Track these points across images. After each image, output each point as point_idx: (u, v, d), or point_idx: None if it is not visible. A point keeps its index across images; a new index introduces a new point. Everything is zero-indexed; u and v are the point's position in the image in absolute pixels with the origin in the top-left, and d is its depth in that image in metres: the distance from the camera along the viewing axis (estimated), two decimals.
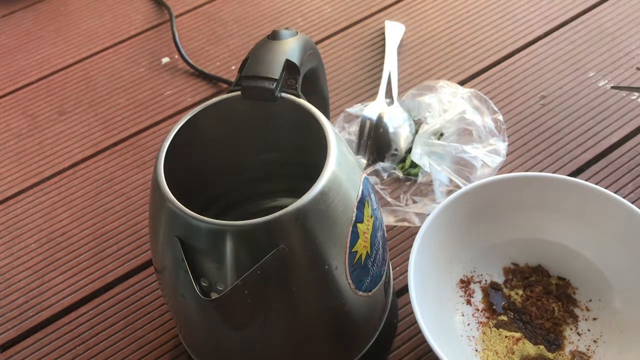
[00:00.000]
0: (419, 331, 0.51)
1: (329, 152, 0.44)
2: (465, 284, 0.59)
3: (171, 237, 0.42)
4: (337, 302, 0.46)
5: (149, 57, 0.85)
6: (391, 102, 0.75)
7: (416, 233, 0.55)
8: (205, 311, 0.45)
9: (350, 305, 0.47)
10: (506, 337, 0.56)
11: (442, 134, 0.70)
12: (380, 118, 0.72)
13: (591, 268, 0.58)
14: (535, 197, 0.59)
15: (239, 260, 0.42)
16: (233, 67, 0.83)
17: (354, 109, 0.74)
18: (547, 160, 0.70)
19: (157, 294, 0.63)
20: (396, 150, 0.70)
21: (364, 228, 0.45)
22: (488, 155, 0.67)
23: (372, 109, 0.73)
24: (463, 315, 0.57)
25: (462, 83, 0.77)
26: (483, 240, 0.60)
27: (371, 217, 0.47)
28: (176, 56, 0.85)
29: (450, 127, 0.69)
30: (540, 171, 0.69)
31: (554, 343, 0.55)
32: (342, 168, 0.44)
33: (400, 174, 0.69)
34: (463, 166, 0.67)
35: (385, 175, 0.69)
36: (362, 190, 0.46)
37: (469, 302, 0.58)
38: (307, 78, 0.50)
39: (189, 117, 0.47)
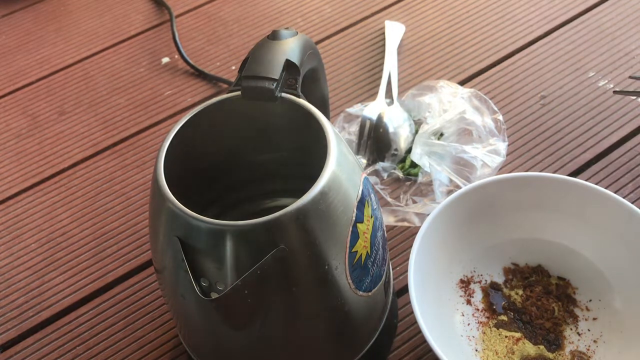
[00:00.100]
0: (419, 331, 0.51)
1: (329, 152, 0.44)
2: (465, 284, 0.59)
3: (171, 237, 0.42)
4: (337, 302, 0.46)
5: (149, 57, 0.85)
6: (391, 102, 0.75)
7: (416, 233, 0.55)
8: (205, 311, 0.45)
9: (350, 305, 0.47)
10: (506, 337, 0.56)
11: (442, 134, 0.70)
12: (380, 118, 0.72)
13: (591, 268, 0.58)
14: (535, 197, 0.59)
15: (239, 260, 0.42)
16: (233, 67, 0.83)
17: (354, 109, 0.74)
18: (547, 160, 0.70)
19: (157, 294, 0.63)
20: (396, 150, 0.70)
21: (364, 228, 0.45)
22: (488, 155, 0.67)
23: (372, 109, 0.73)
24: (463, 315, 0.57)
25: (462, 83, 0.77)
26: (483, 240, 0.60)
27: (371, 217, 0.47)
28: (176, 56, 0.85)
29: (450, 127, 0.69)
30: (540, 171, 0.69)
31: (554, 343, 0.55)
32: (342, 168, 0.44)
33: (400, 174, 0.69)
34: (463, 166, 0.67)
35: (385, 175, 0.69)
36: (362, 190, 0.46)
37: (469, 302, 0.58)
38: (307, 78, 0.50)
39: (189, 117, 0.47)
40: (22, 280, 0.65)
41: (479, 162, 0.67)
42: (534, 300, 0.57)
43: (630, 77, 0.75)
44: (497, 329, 0.56)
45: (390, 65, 0.79)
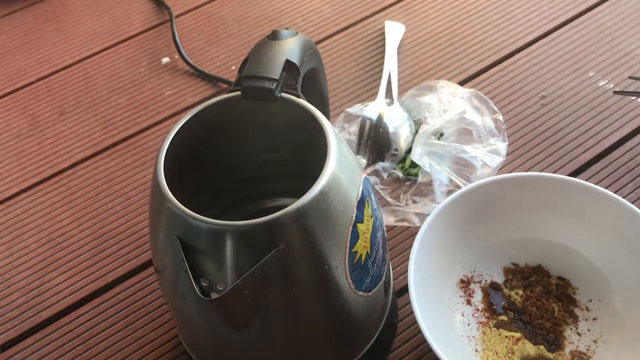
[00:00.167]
0: (419, 331, 0.51)
1: (329, 152, 0.44)
2: (465, 284, 0.59)
3: (171, 237, 0.42)
4: (337, 302, 0.46)
5: (149, 57, 0.85)
6: (391, 102, 0.75)
7: (416, 233, 0.55)
8: (205, 311, 0.45)
9: (350, 305, 0.47)
10: (506, 337, 0.56)
11: (442, 134, 0.70)
12: (380, 118, 0.72)
13: (591, 268, 0.58)
14: (535, 197, 0.59)
15: (239, 260, 0.42)
16: (233, 67, 0.83)
17: (354, 109, 0.74)
18: (547, 160, 0.70)
19: (157, 294, 0.63)
20: (396, 150, 0.70)
21: (364, 228, 0.45)
22: (488, 155, 0.67)
23: (372, 109, 0.73)
24: (463, 315, 0.57)
25: (462, 83, 0.77)
26: (483, 240, 0.60)
27: (371, 217, 0.47)
28: (176, 56, 0.85)
29: (450, 127, 0.69)
30: (540, 171, 0.69)
31: (554, 343, 0.55)
32: (342, 168, 0.44)
33: (400, 174, 0.69)
34: (463, 166, 0.67)
35: (385, 175, 0.69)
36: (362, 190, 0.46)
37: (469, 302, 0.58)
38: (307, 78, 0.50)
39: (189, 117, 0.47)
40: (22, 280, 0.65)
41: (479, 162, 0.67)
42: (534, 300, 0.57)
43: (630, 77, 0.75)
44: (497, 329, 0.56)
45: (390, 65, 0.79)
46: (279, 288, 0.44)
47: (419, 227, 0.56)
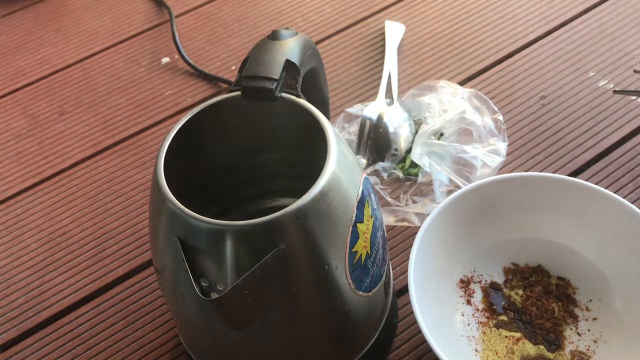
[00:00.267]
0: (419, 331, 0.51)
1: (329, 152, 0.44)
2: (465, 284, 0.59)
3: (171, 237, 0.42)
4: (337, 302, 0.46)
5: (149, 57, 0.85)
6: (391, 102, 0.75)
7: (416, 233, 0.55)
8: (205, 311, 0.45)
9: (350, 305, 0.47)
10: (506, 337, 0.56)
11: (442, 134, 0.70)
12: (380, 118, 0.72)
13: (591, 268, 0.58)
14: (535, 197, 0.59)
15: (239, 260, 0.42)
16: (233, 67, 0.83)
17: (354, 109, 0.74)
18: (547, 160, 0.70)
19: (157, 294, 0.63)
20: (396, 150, 0.70)
21: (364, 228, 0.45)
22: (488, 155, 0.67)
23: (372, 109, 0.73)
24: (463, 315, 0.57)
25: (462, 83, 0.77)
26: (483, 240, 0.60)
27: (371, 217, 0.47)
28: (176, 56, 0.85)
29: (450, 127, 0.69)
30: (540, 171, 0.69)
31: (554, 343, 0.55)
32: (342, 168, 0.44)
33: (400, 174, 0.69)
34: (463, 166, 0.67)
35: (385, 175, 0.69)
36: (362, 190, 0.46)
37: (469, 302, 0.58)
38: (307, 78, 0.50)
39: (189, 117, 0.47)
40: (22, 280, 0.65)
41: (479, 162, 0.67)
42: (534, 300, 0.57)
43: (635, 71, 0.74)
44: (497, 329, 0.56)
45: (390, 65, 0.79)
46: (279, 288, 0.44)
47: (419, 227, 0.56)
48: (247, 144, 0.53)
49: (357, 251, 0.45)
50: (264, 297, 0.43)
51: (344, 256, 0.44)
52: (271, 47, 0.47)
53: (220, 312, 0.43)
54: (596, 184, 0.63)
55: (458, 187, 0.65)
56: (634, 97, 0.73)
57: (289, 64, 0.47)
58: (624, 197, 0.60)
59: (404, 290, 0.61)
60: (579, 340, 0.56)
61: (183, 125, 0.47)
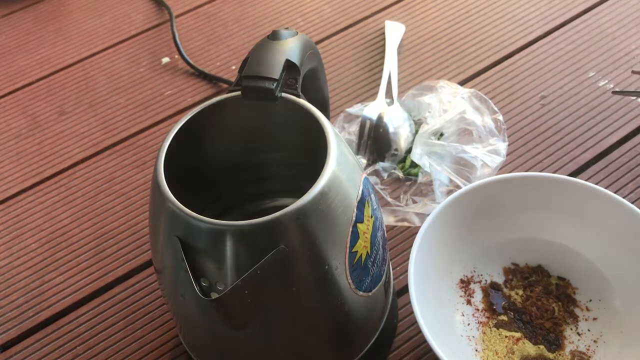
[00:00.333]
0: (419, 331, 0.51)
1: (329, 152, 0.44)
2: (465, 284, 0.59)
3: (171, 237, 0.42)
4: (337, 302, 0.46)
5: (149, 57, 0.85)
6: (391, 102, 0.75)
7: (416, 233, 0.55)
8: (205, 311, 0.45)
9: (350, 305, 0.47)
10: (506, 337, 0.56)
11: (442, 134, 0.70)
12: (380, 118, 0.72)
13: (591, 268, 0.58)
14: (535, 197, 0.59)
15: (239, 260, 0.42)
16: (233, 67, 0.83)
17: (354, 109, 0.74)
18: (547, 160, 0.70)
19: (157, 294, 0.63)
20: (396, 150, 0.70)
21: (364, 228, 0.45)
22: (488, 155, 0.67)
23: (372, 109, 0.73)
24: (463, 315, 0.57)
25: (462, 83, 0.77)
26: (483, 240, 0.60)
27: (371, 217, 0.47)
28: (176, 56, 0.85)
29: (450, 127, 0.69)
30: (540, 171, 0.69)
31: (554, 343, 0.55)
32: (342, 168, 0.44)
33: (400, 174, 0.69)
34: (463, 166, 0.67)
35: (385, 175, 0.69)
36: (362, 190, 0.46)
37: (469, 302, 0.58)
38: (307, 78, 0.50)
39: (189, 117, 0.47)
40: (22, 280, 0.65)
41: (479, 162, 0.67)
42: (534, 300, 0.57)
43: (632, 71, 0.74)
44: (497, 329, 0.56)
45: (390, 65, 0.79)
46: (279, 288, 0.44)
47: (419, 227, 0.56)
48: (247, 144, 0.53)
49: (357, 251, 0.45)
50: (264, 297, 0.43)
51: (344, 256, 0.44)
52: (271, 47, 0.47)
53: (220, 312, 0.43)
54: (596, 184, 0.63)
55: (458, 187, 0.65)
56: (634, 97, 0.73)
57: (289, 64, 0.47)
58: (624, 197, 0.60)
59: (404, 290, 0.61)
60: (579, 340, 0.56)
61: (183, 125, 0.47)
